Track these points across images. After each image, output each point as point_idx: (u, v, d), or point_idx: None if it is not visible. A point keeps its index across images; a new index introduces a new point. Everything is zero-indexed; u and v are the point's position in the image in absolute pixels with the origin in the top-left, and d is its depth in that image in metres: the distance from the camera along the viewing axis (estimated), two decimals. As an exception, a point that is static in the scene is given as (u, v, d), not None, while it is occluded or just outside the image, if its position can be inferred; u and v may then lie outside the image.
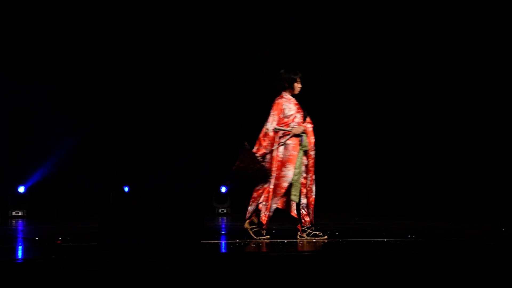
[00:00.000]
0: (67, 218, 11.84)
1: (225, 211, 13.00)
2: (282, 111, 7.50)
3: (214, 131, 13.14)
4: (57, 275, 5.30)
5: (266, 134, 7.48)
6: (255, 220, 7.44)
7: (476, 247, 6.63)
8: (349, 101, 13.43)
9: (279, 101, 7.57)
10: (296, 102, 7.63)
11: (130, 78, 12.97)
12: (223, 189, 13.11)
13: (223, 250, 6.53)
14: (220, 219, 11.41)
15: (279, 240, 7.18)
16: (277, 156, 7.44)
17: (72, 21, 12.77)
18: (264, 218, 7.33)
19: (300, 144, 7.46)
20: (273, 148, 7.39)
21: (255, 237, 7.34)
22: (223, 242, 7.22)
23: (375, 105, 13.23)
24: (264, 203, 7.35)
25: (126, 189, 12.94)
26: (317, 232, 7.43)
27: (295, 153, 7.43)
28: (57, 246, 6.78)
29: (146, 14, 13.02)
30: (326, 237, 7.38)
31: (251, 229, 7.42)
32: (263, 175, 7.40)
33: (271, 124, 7.48)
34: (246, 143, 7.44)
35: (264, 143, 7.46)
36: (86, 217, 11.92)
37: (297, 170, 7.40)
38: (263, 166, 7.37)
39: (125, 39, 12.97)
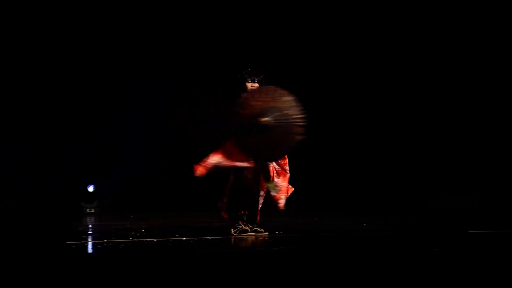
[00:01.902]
0: None
1: (93, 211, 12.74)
2: None
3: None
4: None
5: None
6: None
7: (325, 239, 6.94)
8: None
9: None
10: None
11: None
12: (91, 188, 12.91)
13: (90, 251, 6.41)
14: (87, 219, 11.21)
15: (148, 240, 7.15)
16: None
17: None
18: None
19: None
20: None
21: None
22: (90, 243, 7.08)
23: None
24: None
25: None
26: (258, 229, 7.61)
27: None
28: None
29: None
30: (267, 233, 7.55)
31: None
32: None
33: None
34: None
35: None
36: None
37: None
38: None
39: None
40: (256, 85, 7.61)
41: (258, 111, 7.16)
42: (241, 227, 7.52)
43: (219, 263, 5.80)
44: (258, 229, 7.55)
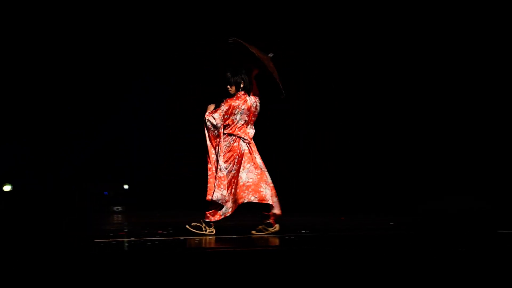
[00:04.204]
0: None
1: (120, 209, 12.70)
2: None
3: None
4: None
5: None
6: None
7: (360, 239, 6.84)
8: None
9: None
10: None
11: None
12: (126, 186, 12.93)
13: (119, 249, 6.40)
14: (115, 217, 11.16)
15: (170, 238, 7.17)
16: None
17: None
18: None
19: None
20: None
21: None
22: (117, 241, 7.06)
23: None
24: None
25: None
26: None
27: None
28: None
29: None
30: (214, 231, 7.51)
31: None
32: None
33: None
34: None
35: None
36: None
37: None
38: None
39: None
40: (232, 88, 7.74)
41: None
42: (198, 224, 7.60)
43: (243, 260, 5.82)
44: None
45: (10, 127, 12.80)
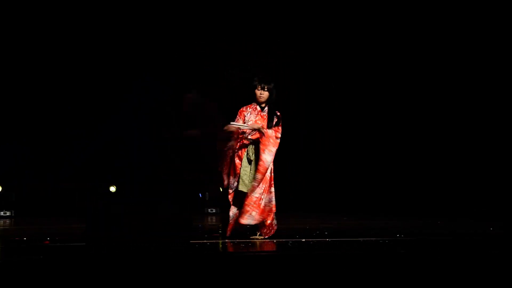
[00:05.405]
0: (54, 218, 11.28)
1: (214, 211, 12.67)
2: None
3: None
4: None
5: None
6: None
7: (460, 245, 6.75)
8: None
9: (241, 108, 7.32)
10: (259, 110, 7.28)
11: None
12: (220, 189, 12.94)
13: (214, 250, 6.41)
14: (209, 219, 11.08)
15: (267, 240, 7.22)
16: None
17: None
18: None
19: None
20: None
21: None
22: (212, 242, 7.05)
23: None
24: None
25: None
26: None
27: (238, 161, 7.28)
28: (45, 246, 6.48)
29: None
30: None
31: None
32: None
33: None
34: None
35: None
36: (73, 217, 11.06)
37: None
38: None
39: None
40: (266, 93, 7.20)
41: None
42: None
43: (335, 264, 5.84)
44: None
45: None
